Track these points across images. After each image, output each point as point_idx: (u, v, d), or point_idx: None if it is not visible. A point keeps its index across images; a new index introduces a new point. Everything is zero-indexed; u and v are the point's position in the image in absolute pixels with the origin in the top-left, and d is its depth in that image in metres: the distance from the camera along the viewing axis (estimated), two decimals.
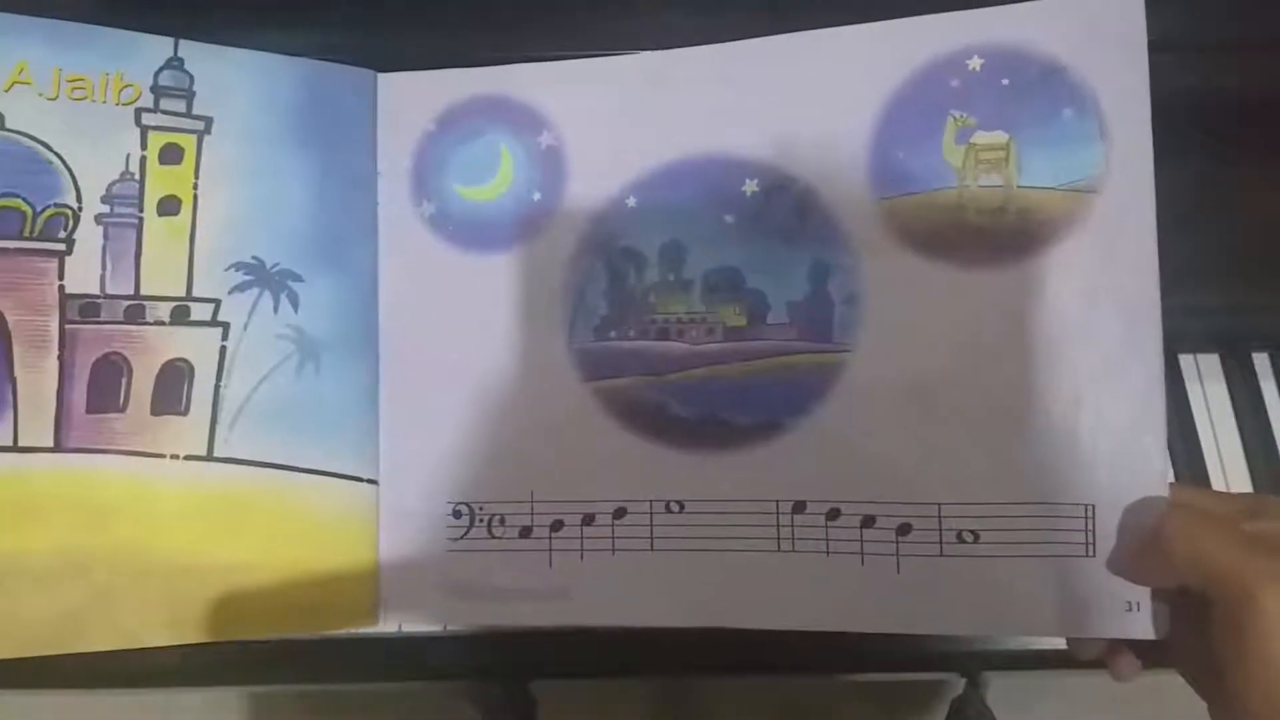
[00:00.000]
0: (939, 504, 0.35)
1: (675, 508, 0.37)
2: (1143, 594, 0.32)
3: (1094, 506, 0.33)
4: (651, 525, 0.37)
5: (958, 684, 0.44)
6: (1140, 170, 0.33)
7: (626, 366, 0.38)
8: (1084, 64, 0.34)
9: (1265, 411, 0.48)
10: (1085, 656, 0.34)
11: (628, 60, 0.39)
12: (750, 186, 0.37)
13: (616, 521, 0.38)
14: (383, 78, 0.41)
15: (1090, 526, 0.33)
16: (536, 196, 0.39)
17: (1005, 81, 0.35)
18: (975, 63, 0.35)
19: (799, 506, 0.36)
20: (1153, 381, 0.33)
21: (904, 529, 0.35)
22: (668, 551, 0.37)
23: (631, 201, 0.38)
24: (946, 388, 0.35)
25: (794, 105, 0.37)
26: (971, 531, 0.34)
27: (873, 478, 0.35)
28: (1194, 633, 0.30)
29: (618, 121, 0.39)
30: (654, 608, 0.37)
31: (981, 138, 0.35)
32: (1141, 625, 0.32)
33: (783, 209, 0.37)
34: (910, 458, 0.35)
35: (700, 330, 0.37)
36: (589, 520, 0.38)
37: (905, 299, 0.35)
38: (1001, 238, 0.35)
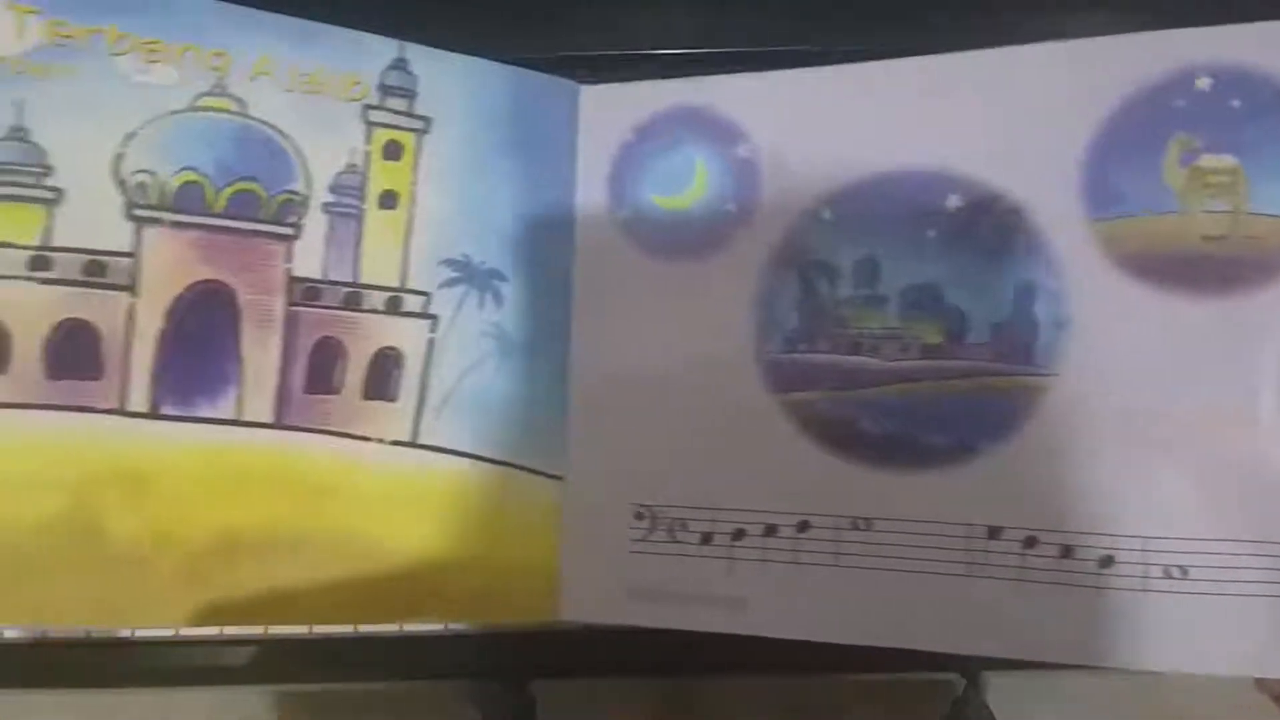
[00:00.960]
0: (1144, 537, 0.34)
1: (863, 524, 0.37)
2: None
3: None
4: (836, 541, 0.37)
5: (958, 684, 0.43)
6: None
7: (816, 380, 0.38)
8: None
9: None
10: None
11: (830, 73, 0.39)
12: (954, 202, 0.37)
13: (800, 534, 0.38)
14: (585, 89, 0.42)
15: None
16: (731, 207, 0.40)
17: (1235, 103, 0.34)
18: (1203, 82, 0.34)
19: (994, 532, 0.35)
20: None
21: (1106, 561, 0.34)
22: (852, 568, 0.37)
23: (827, 214, 0.38)
24: (1158, 419, 0.34)
25: (1005, 121, 0.36)
26: (1180, 567, 0.33)
27: (1074, 507, 0.35)
28: None
29: (817, 134, 0.39)
30: (835, 623, 0.37)
31: (1208, 161, 0.34)
32: None
33: (988, 226, 0.36)
34: (1115, 488, 0.34)
35: (895, 346, 0.37)
36: (771, 531, 0.38)
37: (1117, 325, 0.35)
38: (1226, 266, 0.34)
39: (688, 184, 0.40)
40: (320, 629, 0.40)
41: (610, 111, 0.42)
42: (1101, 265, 0.35)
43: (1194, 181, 0.34)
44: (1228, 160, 0.34)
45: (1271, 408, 0.32)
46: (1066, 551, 0.34)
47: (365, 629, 0.40)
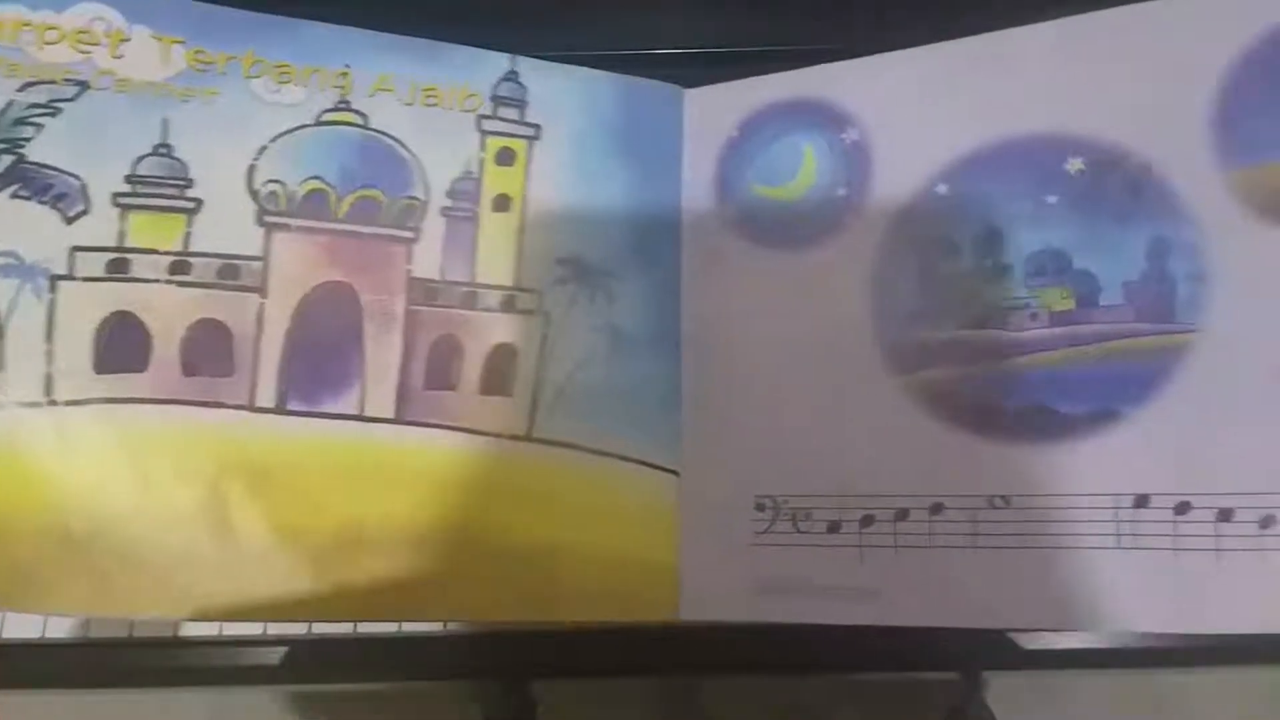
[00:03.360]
0: None
1: (1000, 503, 0.35)
2: None
3: None
4: (973, 522, 0.35)
5: (958, 684, 0.40)
6: None
7: (942, 358, 0.37)
8: None
9: None
10: None
11: (932, 50, 0.39)
12: (1075, 164, 0.36)
13: (933, 517, 0.36)
14: (689, 93, 0.42)
15: None
16: (842, 192, 0.40)
17: None
18: None
19: (1141, 500, 0.33)
20: None
21: (1267, 521, 0.31)
22: (992, 549, 0.35)
23: (942, 189, 0.38)
24: None
25: (1125, 78, 0.35)
26: None
27: (1229, 467, 0.32)
28: None
29: (923, 111, 0.39)
30: (976, 608, 0.35)
31: None
32: None
33: (1114, 186, 0.35)
34: (1270, 444, 0.32)
35: (1023, 316, 0.36)
36: (902, 516, 0.36)
37: (1261, 274, 0.33)
38: None
39: (796, 173, 0.41)
40: (320, 628, 0.39)
41: (714, 111, 0.42)
42: (1240, 214, 0.33)
43: None
44: None
45: None
46: (1224, 515, 0.32)
47: (365, 628, 0.40)
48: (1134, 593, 0.33)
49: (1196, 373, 0.33)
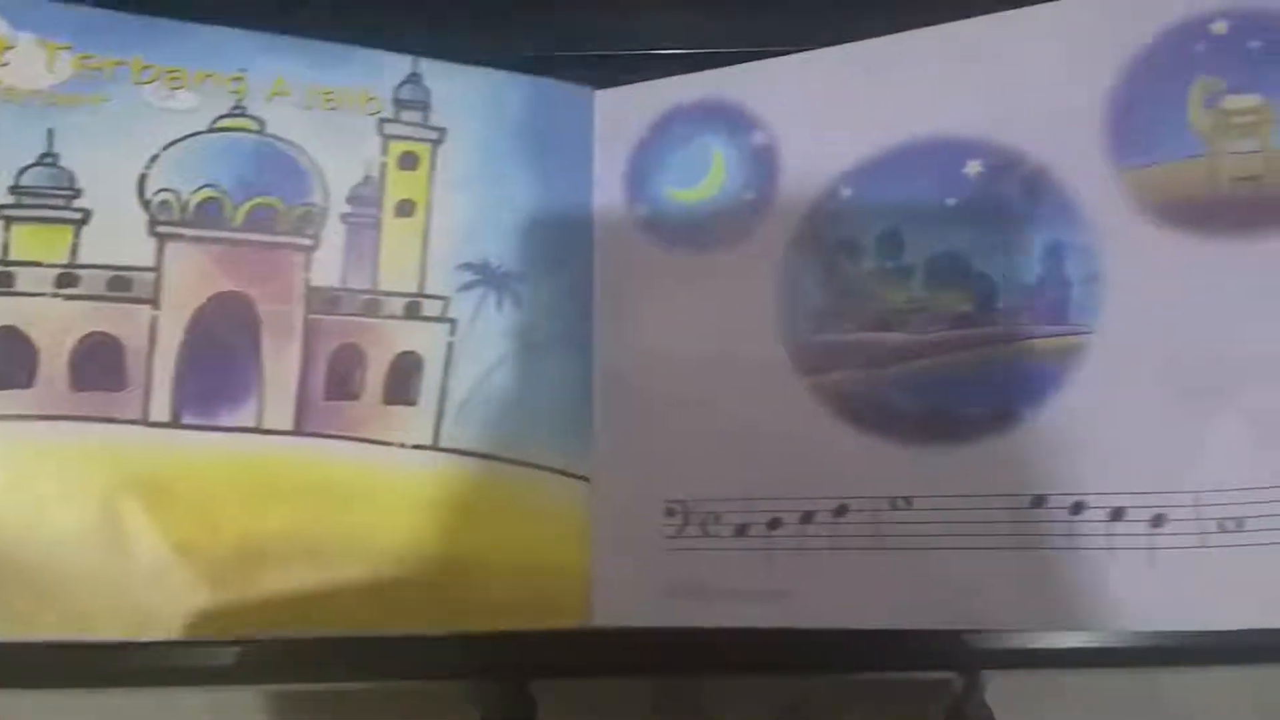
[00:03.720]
0: (1196, 491, 0.32)
1: (902, 504, 0.35)
2: None
3: None
4: (876, 523, 0.35)
5: (957, 683, 0.41)
6: None
7: (846, 359, 0.37)
8: None
9: None
10: None
11: (837, 52, 0.39)
12: (973, 167, 0.36)
13: (838, 519, 0.36)
14: (599, 94, 0.42)
15: None
16: (750, 195, 0.40)
17: (1255, 44, 0.33)
18: (1220, 26, 0.33)
19: (1038, 500, 0.34)
20: None
21: (1157, 520, 0.32)
22: (895, 550, 0.35)
23: (847, 192, 0.38)
24: (1202, 367, 0.32)
25: (1019, 82, 0.36)
26: (1235, 519, 0.31)
27: (1121, 467, 0.33)
28: None
29: (830, 114, 0.39)
30: (881, 608, 0.35)
31: (1232, 101, 0.33)
32: None
33: (1011, 188, 0.35)
34: (1163, 444, 0.32)
35: (924, 318, 0.36)
36: (808, 518, 0.36)
37: (1152, 275, 0.33)
38: (1259, 207, 0.32)
39: (705, 176, 0.40)
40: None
41: (624, 112, 0.42)
42: (1132, 216, 0.34)
43: (1220, 123, 0.33)
44: (1252, 99, 0.33)
45: None
46: (1116, 515, 0.32)
47: (362, 631, 0.38)
48: (1031, 592, 0.33)
49: (1090, 374, 0.33)
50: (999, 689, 0.45)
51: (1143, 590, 0.32)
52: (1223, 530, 0.31)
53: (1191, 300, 0.32)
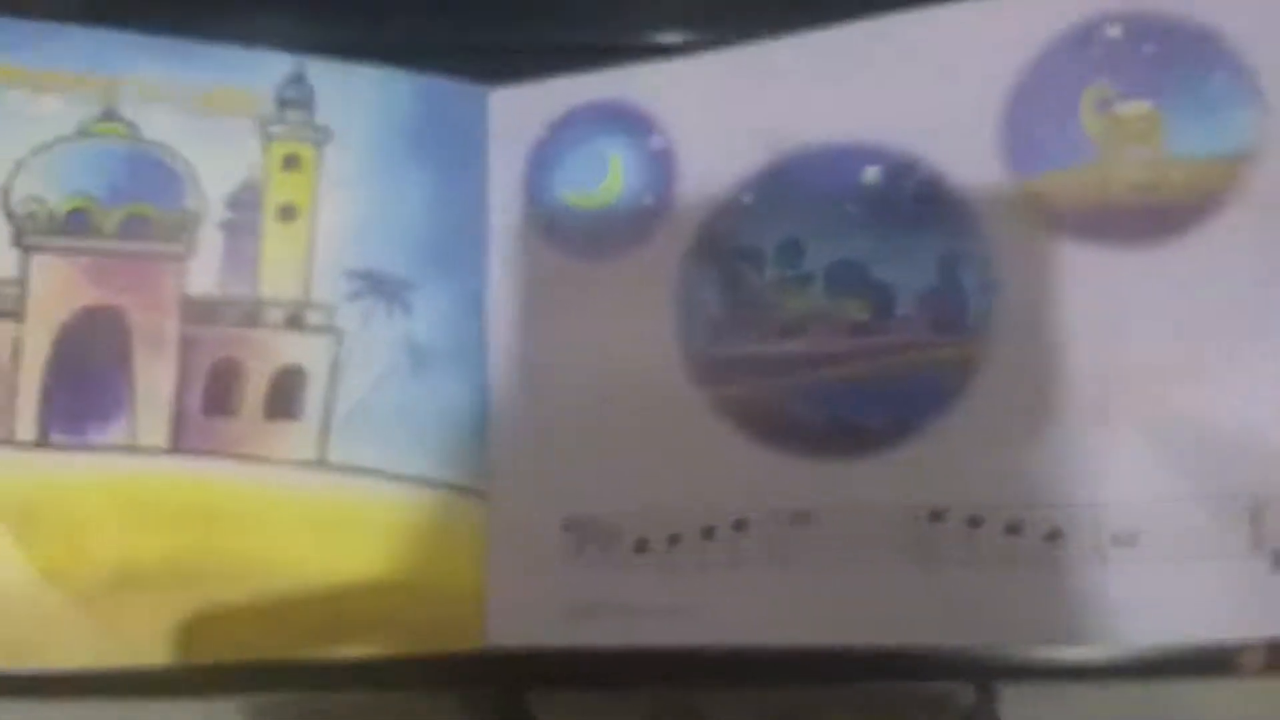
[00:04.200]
0: (1092, 505, 0.31)
1: (801, 518, 0.35)
2: None
3: (1262, 498, 0.29)
4: (776, 538, 0.35)
5: (969, 694, 0.41)
6: None
7: (746, 371, 0.36)
8: (1234, 25, 0.31)
9: None
10: (1249, 669, 0.30)
11: (735, 54, 0.38)
12: (872, 174, 0.35)
13: (737, 534, 0.35)
14: (494, 93, 0.41)
15: (1259, 519, 0.29)
16: (648, 200, 0.38)
17: (1148, 48, 0.32)
18: (1114, 30, 0.33)
19: (937, 514, 0.33)
20: None
21: (1054, 535, 0.32)
22: (795, 566, 0.34)
23: (746, 199, 0.37)
24: (1096, 377, 0.32)
25: (917, 87, 0.35)
26: (1131, 533, 0.31)
27: (1018, 479, 0.32)
28: None
29: (729, 118, 0.37)
30: (781, 625, 0.35)
31: (1124, 108, 0.32)
32: None
33: (908, 195, 0.35)
34: (1060, 456, 0.32)
35: (823, 327, 0.35)
36: (708, 534, 0.36)
37: (1046, 283, 0.33)
38: (1151, 212, 0.32)
39: (603, 180, 0.39)
40: None
41: (520, 113, 0.40)
42: (1026, 224, 0.33)
43: (1112, 129, 0.32)
44: (1144, 105, 0.32)
45: (1213, 356, 0.30)
46: (1014, 528, 0.32)
47: None
48: (933, 607, 0.33)
49: (987, 385, 0.33)
50: (1012, 700, 0.44)
51: (1039, 605, 0.31)
52: (1118, 544, 0.31)
53: (1085, 309, 0.32)
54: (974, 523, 0.32)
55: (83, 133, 0.36)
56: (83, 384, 0.34)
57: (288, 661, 0.36)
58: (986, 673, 0.38)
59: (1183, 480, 0.30)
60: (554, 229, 0.39)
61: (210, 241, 0.36)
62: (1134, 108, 0.32)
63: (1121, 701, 0.35)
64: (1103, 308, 0.32)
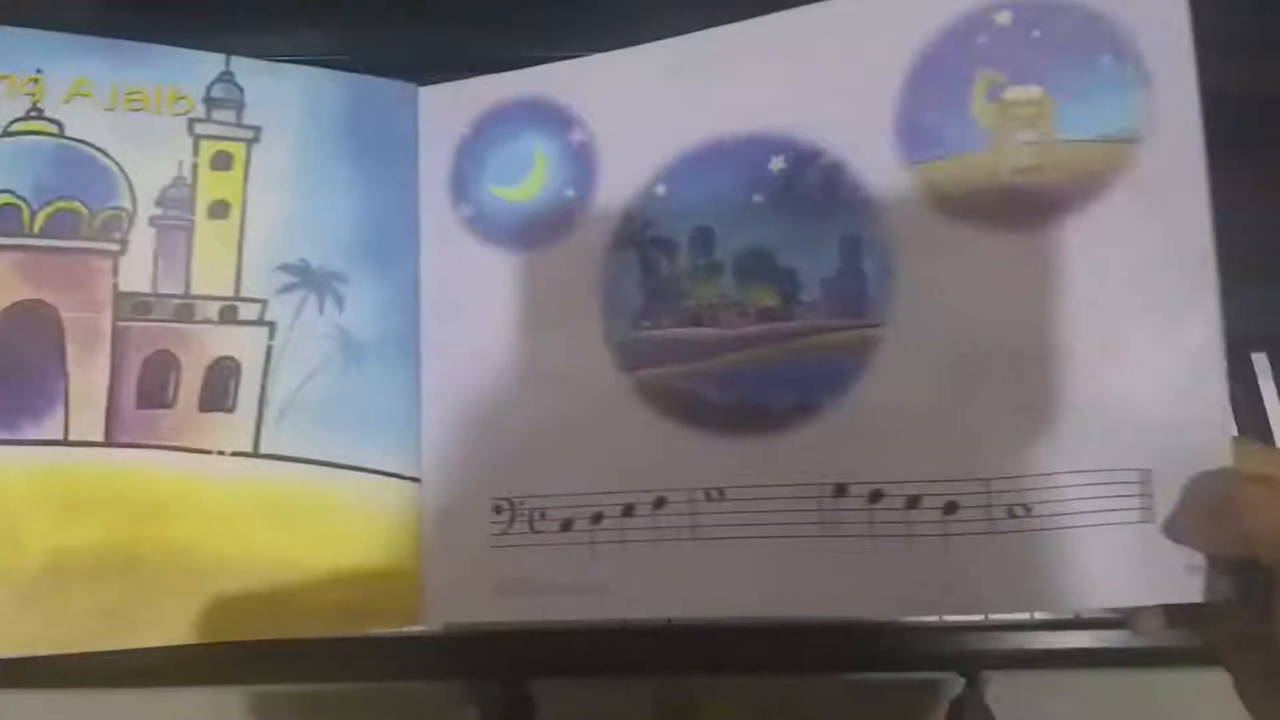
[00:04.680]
0: (987, 479, 0.33)
1: (715, 495, 0.36)
2: (1199, 557, 0.30)
3: (1151, 471, 0.31)
4: (692, 514, 0.36)
5: (956, 683, 0.42)
6: (1187, 117, 0.32)
7: (663, 355, 0.38)
8: (1120, 9, 0.33)
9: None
10: (1146, 633, 0.32)
11: (649, 50, 0.39)
12: (777, 163, 0.37)
13: (656, 512, 0.37)
14: (423, 91, 0.42)
15: (1148, 492, 0.31)
16: (570, 193, 0.40)
17: (1036, 34, 0.34)
18: (1004, 17, 0.34)
19: (840, 489, 0.35)
20: (1210, 337, 0.31)
21: (950, 507, 0.33)
22: (709, 540, 0.36)
23: (661, 190, 0.38)
24: (989, 357, 0.33)
25: (816, 76, 0.36)
26: (1023, 505, 0.32)
27: (916, 456, 0.34)
28: (1246, 602, 0.28)
29: (645, 112, 0.39)
30: (695, 599, 0.36)
31: (1014, 93, 0.34)
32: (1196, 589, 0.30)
33: (810, 184, 0.36)
34: (954, 432, 0.34)
35: (733, 314, 0.37)
36: (629, 511, 0.37)
37: (940, 267, 0.34)
38: (1041, 196, 0.33)
39: (528, 174, 0.40)
40: None
41: (448, 109, 0.42)
42: (921, 210, 0.35)
43: (1002, 115, 0.34)
44: (1033, 90, 0.34)
45: (1094, 335, 0.32)
46: (912, 502, 0.34)
47: (362, 631, 0.39)
48: (836, 580, 0.34)
49: (885, 366, 0.35)
50: (999, 689, 0.45)
51: (939, 577, 0.33)
52: (1011, 516, 0.32)
53: (976, 292, 0.34)
54: (874, 498, 0.34)
55: (7, 131, 0.37)
56: (15, 379, 0.35)
57: (293, 650, 0.37)
58: (974, 662, 0.40)
59: (1075, 453, 0.32)
60: (482, 221, 0.41)
61: (142, 238, 0.37)
62: (1023, 93, 0.34)
63: (1107, 689, 0.36)
64: (991, 290, 0.33)
